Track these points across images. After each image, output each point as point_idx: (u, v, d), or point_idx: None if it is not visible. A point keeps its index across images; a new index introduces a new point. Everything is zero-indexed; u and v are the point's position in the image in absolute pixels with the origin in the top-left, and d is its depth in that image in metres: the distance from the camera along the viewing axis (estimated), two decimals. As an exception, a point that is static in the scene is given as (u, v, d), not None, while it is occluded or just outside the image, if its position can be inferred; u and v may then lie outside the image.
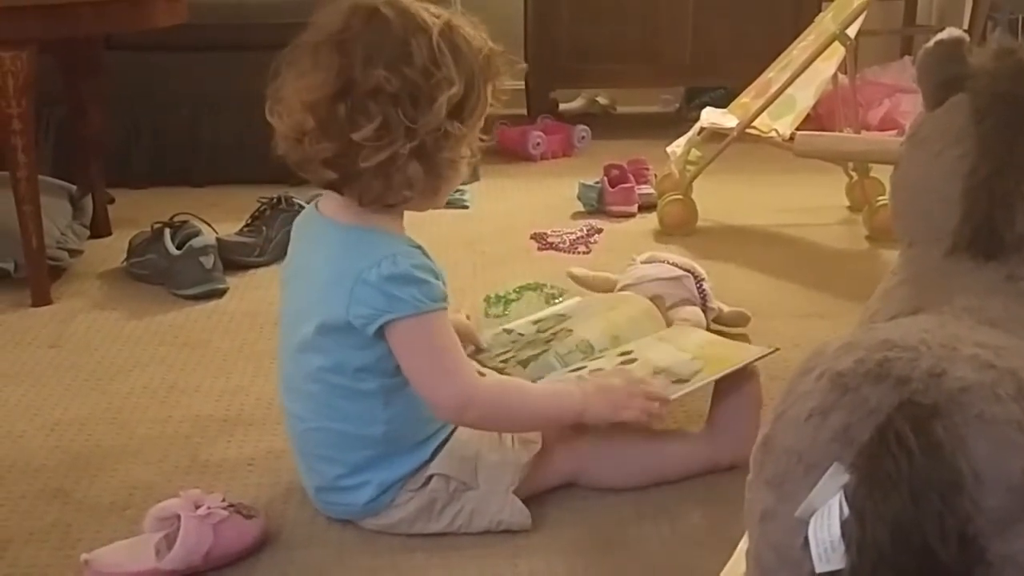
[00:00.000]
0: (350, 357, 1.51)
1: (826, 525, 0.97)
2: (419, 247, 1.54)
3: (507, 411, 1.57)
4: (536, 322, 2.00)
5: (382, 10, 1.46)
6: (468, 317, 1.98)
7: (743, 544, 1.31)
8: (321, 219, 1.56)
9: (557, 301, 2.38)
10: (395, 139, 1.44)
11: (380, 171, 1.45)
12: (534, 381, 1.74)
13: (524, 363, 1.84)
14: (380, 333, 1.48)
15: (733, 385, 1.74)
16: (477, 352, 1.87)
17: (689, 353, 1.78)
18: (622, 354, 1.81)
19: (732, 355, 1.76)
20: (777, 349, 1.77)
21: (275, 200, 2.84)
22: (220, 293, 2.56)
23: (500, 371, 1.79)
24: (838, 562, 0.96)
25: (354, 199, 1.50)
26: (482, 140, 1.56)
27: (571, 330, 1.90)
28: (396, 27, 1.45)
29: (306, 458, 1.62)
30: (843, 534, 0.96)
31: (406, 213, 1.58)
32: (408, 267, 1.47)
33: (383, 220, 1.53)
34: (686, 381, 1.68)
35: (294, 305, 1.59)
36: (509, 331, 1.96)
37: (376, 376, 1.52)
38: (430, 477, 1.57)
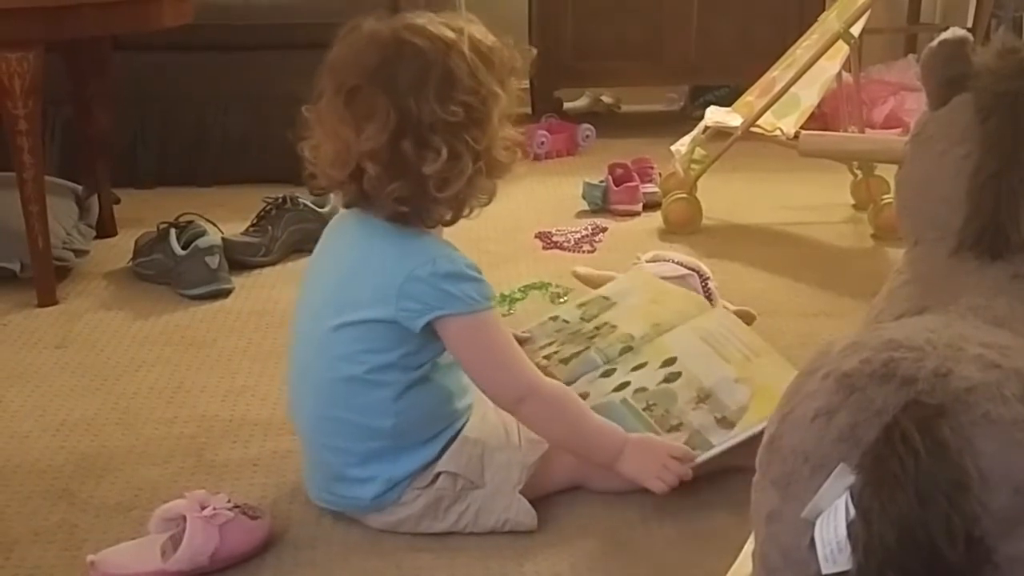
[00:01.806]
0: (377, 352, 1.53)
1: (832, 526, 0.98)
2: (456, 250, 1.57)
3: (559, 416, 1.60)
4: (581, 305, 2.01)
5: (408, 38, 1.48)
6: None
7: (749, 545, 1.31)
8: (368, 216, 1.57)
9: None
10: (465, 164, 1.48)
11: (456, 197, 1.50)
12: (575, 379, 1.79)
13: (566, 361, 1.85)
14: (426, 328, 1.51)
15: None
16: (520, 342, 1.86)
17: (734, 367, 1.76)
18: (665, 363, 1.80)
19: (779, 382, 1.72)
20: None
21: (280, 200, 2.84)
22: (226, 293, 2.56)
23: (543, 369, 1.78)
24: (844, 563, 0.96)
25: (418, 225, 1.54)
26: (520, 134, 1.59)
27: (615, 326, 1.90)
28: (431, 53, 1.47)
29: (315, 449, 1.62)
30: (849, 535, 0.96)
31: None
32: (463, 265, 1.52)
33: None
34: (731, 424, 1.67)
35: (325, 294, 1.59)
36: (554, 318, 1.98)
37: (396, 372, 1.54)
38: (438, 475, 1.57)
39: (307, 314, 1.63)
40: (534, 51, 1.61)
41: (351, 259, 1.58)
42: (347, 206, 1.58)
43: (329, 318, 1.55)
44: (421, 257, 1.50)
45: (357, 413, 1.55)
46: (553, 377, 1.72)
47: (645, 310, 1.93)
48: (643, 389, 1.75)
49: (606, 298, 2.00)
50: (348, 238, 1.62)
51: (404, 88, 1.45)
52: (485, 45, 1.52)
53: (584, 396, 1.72)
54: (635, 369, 1.81)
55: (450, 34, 1.49)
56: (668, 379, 1.77)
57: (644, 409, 1.72)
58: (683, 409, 1.71)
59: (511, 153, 1.56)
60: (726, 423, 1.68)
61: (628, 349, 1.84)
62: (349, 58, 1.49)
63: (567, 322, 1.96)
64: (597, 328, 1.91)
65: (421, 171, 1.46)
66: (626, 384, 1.78)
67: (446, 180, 1.47)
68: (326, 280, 1.61)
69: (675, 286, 2.06)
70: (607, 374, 1.82)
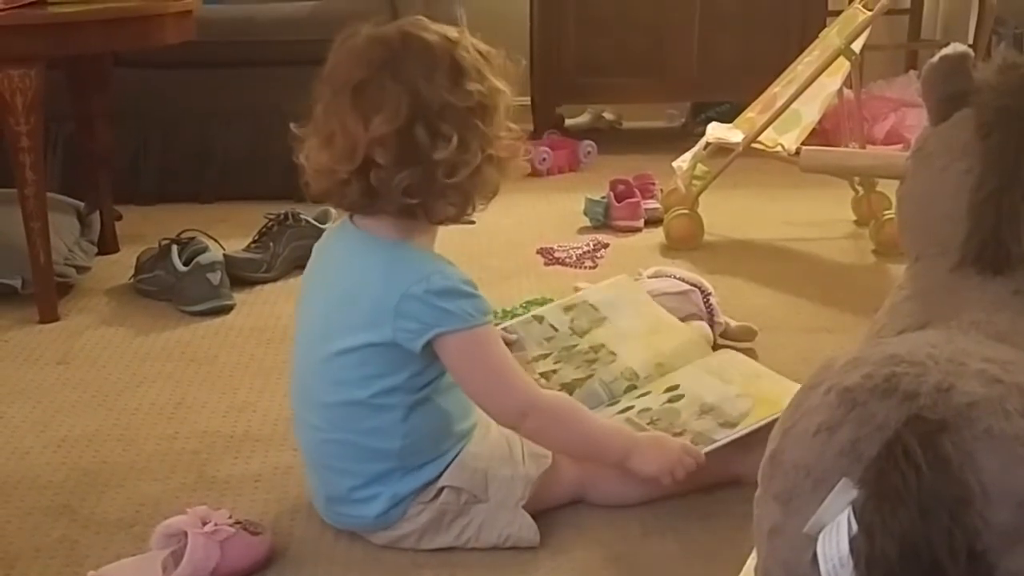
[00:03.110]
0: (383, 376, 1.52)
1: (835, 541, 0.97)
2: (452, 265, 1.56)
3: (563, 426, 1.60)
4: (567, 310, 1.99)
5: (413, 32, 1.49)
6: None
7: (751, 560, 1.31)
8: (361, 235, 1.57)
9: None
10: (474, 153, 1.48)
11: (462, 186, 1.49)
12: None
13: (569, 388, 1.83)
14: (426, 347, 1.50)
15: None
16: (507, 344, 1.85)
17: (736, 386, 1.77)
18: (668, 389, 1.81)
19: (781, 393, 1.73)
20: None
21: (282, 216, 2.84)
22: (227, 309, 2.56)
23: (543, 384, 1.78)
24: (847, 578, 0.96)
25: (423, 219, 1.53)
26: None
27: (614, 353, 1.88)
28: (438, 45, 1.48)
29: (319, 469, 1.62)
30: (852, 550, 0.96)
31: None
32: (458, 281, 1.51)
33: (423, 239, 1.57)
34: (734, 425, 1.68)
35: (323, 320, 1.58)
36: (539, 319, 1.96)
37: (401, 393, 1.53)
38: (441, 489, 1.57)
39: (304, 338, 1.63)
40: (524, 62, 1.62)
41: (344, 281, 1.56)
42: (348, 209, 1.56)
43: (328, 343, 1.54)
44: (414, 275, 1.49)
45: (363, 436, 1.55)
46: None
47: (646, 343, 1.92)
48: (647, 409, 1.76)
49: (594, 307, 1.98)
50: (339, 257, 1.61)
51: (414, 75, 1.45)
52: (483, 47, 1.54)
53: None
54: (639, 397, 1.82)
55: (451, 32, 1.52)
56: (672, 400, 1.78)
57: (648, 423, 1.72)
58: (687, 420, 1.72)
59: (514, 150, 1.55)
60: (728, 425, 1.69)
61: (632, 387, 1.85)
62: (351, 59, 1.49)
63: (556, 329, 1.94)
64: (594, 350, 1.89)
65: (432, 158, 1.45)
66: (630, 408, 1.79)
67: (455, 167, 1.47)
68: (320, 303, 1.60)
69: (668, 314, 2.04)
70: (612, 405, 1.82)
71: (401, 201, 1.48)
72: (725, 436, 1.67)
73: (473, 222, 2.96)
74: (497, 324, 1.95)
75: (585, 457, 1.64)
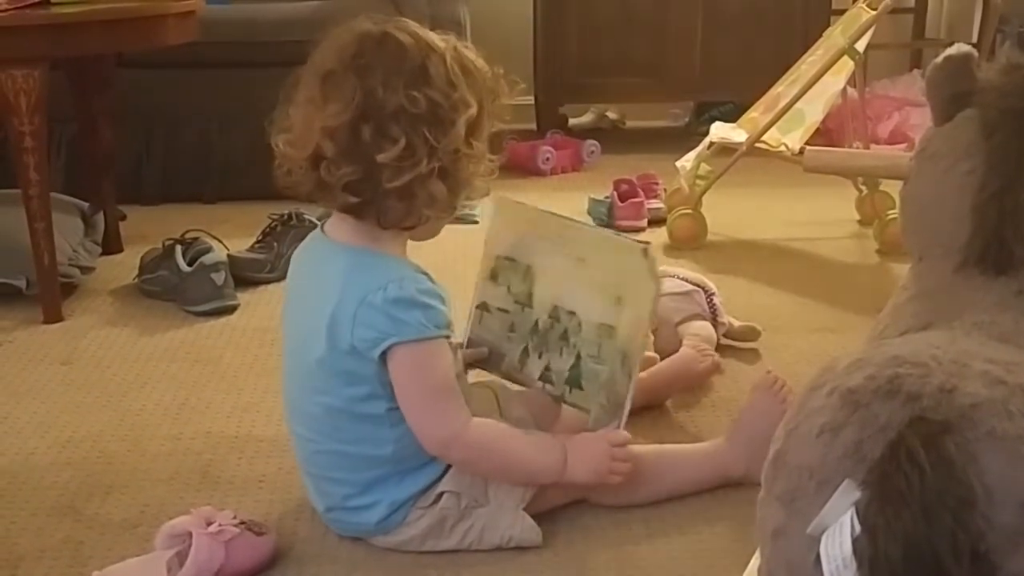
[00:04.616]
0: (358, 382, 1.51)
1: (838, 542, 0.97)
2: (426, 273, 1.54)
3: (489, 457, 1.56)
4: (493, 279, 1.81)
5: (394, 34, 1.47)
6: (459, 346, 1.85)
7: (755, 561, 1.31)
8: (328, 242, 1.57)
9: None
10: (419, 160, 1.44)
11: (405, 192, 1.46)
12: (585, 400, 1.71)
13: (573, 382, 1.74)
14: (383, 357, 1.48)
15: (762, 405, 1.73)
16: (487, 357, 1.80)
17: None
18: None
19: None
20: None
21: (286, 216, 2.84)
22: (231, 310, 2.57)
23: (556, 399, 1.74)
24: (850, 579, 0.96)
25: (372, 222, 1.50)
26: (491, 160, 1.56)
27: (572, 312, 1.74)
28: (412, 50, 1.46)
29: (315, 479, 1.62)
30: (855, 551, 0.96)
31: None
32: (414, 291, 1.48)
33: (391, 245, 1.54)
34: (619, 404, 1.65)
35: (299, 329, 1.58)
36: (483, 307, 1.83)
37: (381, 400, 1.52)
38: (441, 494, 1.56)
39: (288, 349, 1.63)
40: (522, 85, 1.59)
41: (312, 290, 1.56)
42: (305, 200, 1.54)
43: (307, 353, 1.54)
44: (374, 283, 1.47)
45: (352, 444, 1.54)
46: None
47: (585, 281, 1.73)
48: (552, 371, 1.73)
49: (510, 260, 1.80)
50: (308, 266, 1.61)
51: (378, 75, 1.44)
52: (470, 60, 1.51)
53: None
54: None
55: (437, 40, 1.49)
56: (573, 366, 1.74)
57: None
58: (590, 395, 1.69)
59: (476, 170, 1.52)
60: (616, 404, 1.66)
61: (608, 339, 1.73)
62: (329, 50, 1.48)
63: (506, 310, 1.80)
64: (554, 319, 1.75)
65: (375, 159, 1.43)
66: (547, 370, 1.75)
67: (398, 171, 1.44)
68: (297, 313, 1.60)
69: (555, 217, 1.79)
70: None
71: (345, 199, 1.47)
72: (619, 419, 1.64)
73: (476, 222, 3.00)
74: (461, 339, 1.89)
75: (517, 483, 1.60)
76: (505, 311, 1.80)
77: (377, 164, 1.44)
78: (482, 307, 1.83)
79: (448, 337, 1.53)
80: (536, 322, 1.77)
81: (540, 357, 1.78)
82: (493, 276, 1.81)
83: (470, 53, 1.52)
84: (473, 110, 1.48)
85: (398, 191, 1.45)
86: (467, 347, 1.80)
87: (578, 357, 1.72)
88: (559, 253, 1.75)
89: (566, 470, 1.58)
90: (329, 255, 1.55)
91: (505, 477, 1.59)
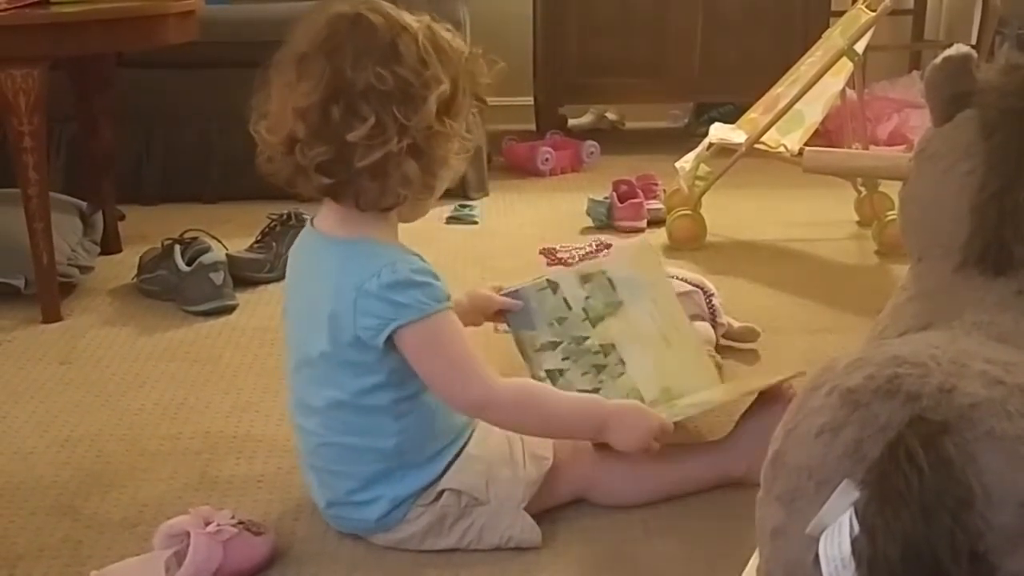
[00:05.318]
0: (363, 374, 1.51)
1: (837, 542, 0.97)
2: (417, 254, 1.54)
3: (526, 414, 1.58)
4: (584, 280, 1.90)
5: (366, 14, 1.48)
6: (499, 289, 1.92)
7: (754, 561, 1.31)
8: (318, 236, 1.58)
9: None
10: (389, 138, 1.44)
11: (377, 171, 1.46)
12: None
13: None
14: (389, 342, 1.49)
15: (766, 405, 1.74)
16: (516, 314, 1.86)
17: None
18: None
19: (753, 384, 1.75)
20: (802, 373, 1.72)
21: (285, 216, 2.84)
22: (230, 309, 2.57)
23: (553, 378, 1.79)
24: (849, 579, 0.96)
25: (350, 204, 1.51)
26: (465, 138, 1.56)
27: (623, 362, 1.84)
28: (382, 29, 1.46)
29: (318, 473, 1.62)
30: (854, 551, 0.96)
31: (408, 226, 1.60)
32: (408, 272, 1.48)
33: (379, 231, 1.55)
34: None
35: (300, 325, 1.59)
36: (555, 286, 1.88)
37: (387, 391, 1.53)
38: (441, 492, 1.57)
39: (290, 345, 1.63)
40: (502, 64, 1.59)
41: (308, 285, 1.57)
42: (286, 186, 1.54)
43: (308, 347, 1.54)
44: (367, 271, 1.48)
45: (357, 437, 1.55)
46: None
47: (657, 358, 1.86)
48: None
49: (611, 283, 1.89)
50: (303, 262, 1.62)
51: (348, 55, 1.44)
52: (444, 39, 1.51)
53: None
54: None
55: (409, 19, 1.49)
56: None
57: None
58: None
59: (451, 148, 1.52)
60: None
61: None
62: (303, 33, 1.49)
63: (569, 307, 1.87)
64: (604, 352, 1.83)
65: (345, 138, 1.44)
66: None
67: (368, 149, 1.44)
68: (296, 309, 1.61)
69: (681, 312, 1.97)
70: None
71: (319, 180, 1.48)
72: (683, 414, 1.69)
73: (476, 222, 3.00)
74: (498, 325, 1.94)
75: (554, 438, 1.63)
76: (568, 307, 1.87)
77: (348, 143, 1.44)
78: (553, 286, 1.89)
79: (450, 308, 1.53)
80: (586, 339, 1.84)
81: (563, 360, 1.82)
82: (585, 279, 1.90)
83: (445, 32, 1.52)
84: (445, 87, 1.48)
85: (370, 170, 1.46)
86: (507, 295, 1.86)
87: (595, 390, 1.78)
88: (655, 320, 1.89)
89: (604, 433, 1.60)
90: (321, 249, 1.56)
91: (539, 433, 1.62)
